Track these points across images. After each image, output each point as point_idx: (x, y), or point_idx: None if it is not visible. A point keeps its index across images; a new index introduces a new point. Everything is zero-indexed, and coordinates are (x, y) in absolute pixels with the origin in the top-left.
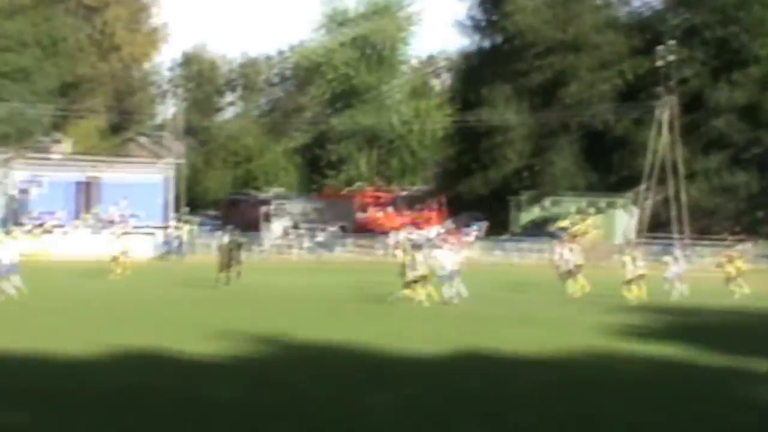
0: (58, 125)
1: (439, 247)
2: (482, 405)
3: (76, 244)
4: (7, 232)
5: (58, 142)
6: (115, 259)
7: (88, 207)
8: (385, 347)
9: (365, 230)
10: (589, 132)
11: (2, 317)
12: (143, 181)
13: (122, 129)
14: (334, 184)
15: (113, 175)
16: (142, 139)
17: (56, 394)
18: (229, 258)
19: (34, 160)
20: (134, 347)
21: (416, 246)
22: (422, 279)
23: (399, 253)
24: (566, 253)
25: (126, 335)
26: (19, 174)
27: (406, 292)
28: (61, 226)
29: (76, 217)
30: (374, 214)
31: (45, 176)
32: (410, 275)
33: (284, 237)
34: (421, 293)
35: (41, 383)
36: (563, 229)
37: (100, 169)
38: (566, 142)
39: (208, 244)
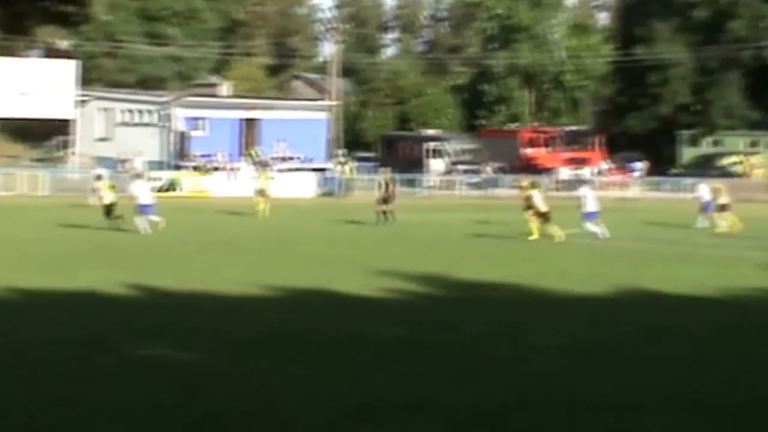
0: (220, 67)
1: (591, 185)
2: (646, 346)
3: (237, 185)
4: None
5: (219, 83)
6: (257, 198)
7: (248, 147)
8: (547, 286)
9: (527, 168)
10: (754, 68)
11: (164, 259)
12: (303, 121)
13: (283, 70)
14: (492, 123)
15: (274, 115)
16: (303, 80)
17: (224, 333)
18: (385, 197)
19: (196, 102)
20: (297, 287)
21: (581, 182)
22: (543, 216)
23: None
24: (705, 191)
25: (288, 275)
26: (181, 116)
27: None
28: (222, 167)
29: (238, 157)
30: (535, 152)
31: (207, 118)
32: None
33: (446, 175)
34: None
35: (210, 323)
36: (727, 165)
37: (261, 109)
38: (731, 79)
39: (367, 184)
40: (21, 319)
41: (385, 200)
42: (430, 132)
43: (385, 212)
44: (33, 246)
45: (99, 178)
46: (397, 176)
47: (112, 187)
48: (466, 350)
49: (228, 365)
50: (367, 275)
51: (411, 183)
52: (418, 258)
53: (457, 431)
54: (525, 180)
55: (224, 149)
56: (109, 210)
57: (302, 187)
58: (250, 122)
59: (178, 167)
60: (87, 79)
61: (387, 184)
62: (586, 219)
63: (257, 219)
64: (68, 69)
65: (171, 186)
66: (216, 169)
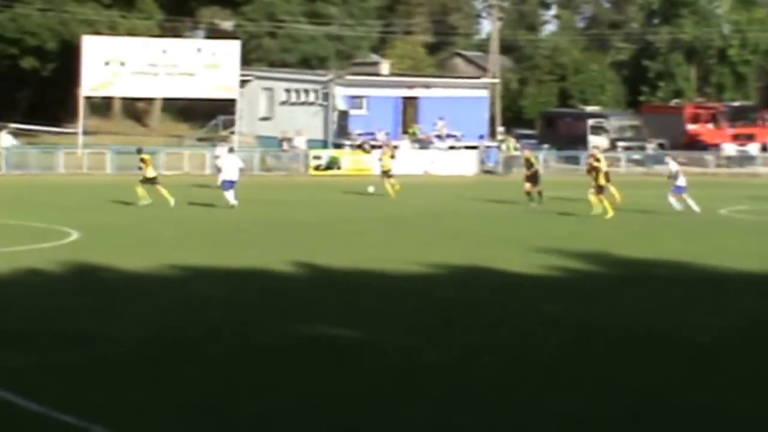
0: (380, 46)
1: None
2: None
3: (399, 163)
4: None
5: (379, 62)
6: (383, 178)
7: (408, 125)
8: (712, 263)
9: (691, 144)
10: None
11: (326, 237)
12: (463, 99)
13: (443, 48)
14: (654, 99)
15: (433, 93)
16: (463, 58)
17: (388, 311)
18: (528, 175)
19: (357, 81)
20: (458, 265)
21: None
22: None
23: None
24: None
25: (447, 253)
26: (341, 94)
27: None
28: (382, 145)
29: (397, 135)
30: (699, 128)
31: (367, 96)
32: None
33: (608, 151)
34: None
35: (372, 301)
36: None
37: (421, 87)
38: None
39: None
40: (184, 295)
41: (530, 179)
42: (591, 108)
43: (529, 193)
44: (192, 223)
45: (140, 152)
46: (558, 153)
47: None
48: (625, 327)
49: (394, 343)
50: (527, 253)
51: (572, 160)
52: (575, 235)
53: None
54: (598, 152)
55: (384, 127)
56: (151, 182)
57: (463, 165)
58: (409, 100)
59: (338, 146)
60: (249, 59)
61: (530, 163)
62: (675, 192)
63: (392, 199)
64: (231, 49)
65: (332, 164)
66: (376, 147)
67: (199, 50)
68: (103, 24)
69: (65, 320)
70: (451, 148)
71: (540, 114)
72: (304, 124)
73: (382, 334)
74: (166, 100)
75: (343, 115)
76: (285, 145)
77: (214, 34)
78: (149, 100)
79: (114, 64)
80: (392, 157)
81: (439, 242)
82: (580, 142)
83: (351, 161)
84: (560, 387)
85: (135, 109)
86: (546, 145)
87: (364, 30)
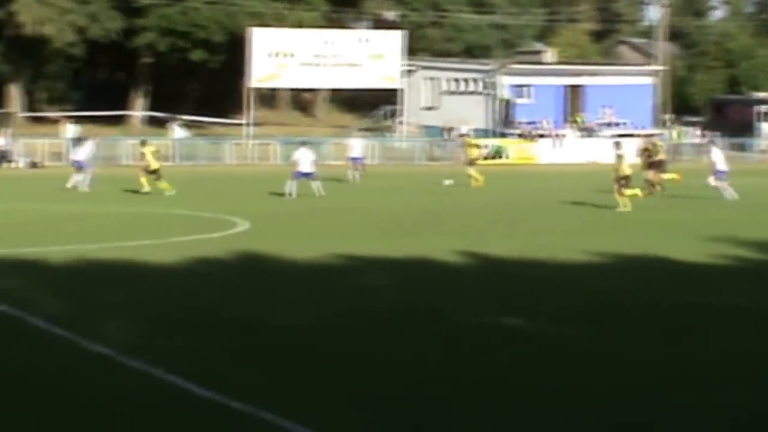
0: (544, 34)
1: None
2: None
3: (563, 151)
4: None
5: (543, 50)
6: (467, 169)
7: (573, 114)
8: None
9: None
10: None
11: (489, 226)
12: (629, 87)
13: (608, 35)
14: None
15: (598, 81)
16: (628, 45)
17: (553, 301)
18: (649, 163)
19: (521, 69)
20: (622, 253)
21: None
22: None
23: None
24: None
25: (610, 240)
26: (506, 83)
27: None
28: (547, 134)
29: (562, 124)
30: None
31: (531, 85)
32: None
33: None
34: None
35: (537, 291)
36: None
37: (586, 75)
38: None
39: (695, 149)
40: (351, 284)
41: (653, 166)
42: (761, 95)
43: (650, 181)
44: (357, 213)
45: (143, 144)
46: (727, 140)
47: (157, 153)
48: None
49: (557, 333)
50: (692, 241)
51: (741, 147)
52: (745, 223)
53: None
54: (657, 140)
55: (549, 116)
56: (155, 174)
57: (628, 153)
58: (574, 89)
59: (503, 135)
60: (413, 49)
61: (647, 152)
62: (715, 176)
63: (476, 189)
64: (395, 39)
65: (497, 153)
66: (541, 136)
67: (363, 41)
68: (269, 16)
69: (235, 308)
70: (616, 136)
71: (709, 101)
72: (468, 114)
73: (551, 323)
74: (331, 90)
75: (508, 104)
76: (447, 135)
77: (378, 24)
78: (315, 91)
79: (280, 55)
80: (477, 147)
81: (599, 229)
82: (748, 129)
83: (516, 150)
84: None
85: (301, 100)
86: (716, 132)
87: (529, 18)
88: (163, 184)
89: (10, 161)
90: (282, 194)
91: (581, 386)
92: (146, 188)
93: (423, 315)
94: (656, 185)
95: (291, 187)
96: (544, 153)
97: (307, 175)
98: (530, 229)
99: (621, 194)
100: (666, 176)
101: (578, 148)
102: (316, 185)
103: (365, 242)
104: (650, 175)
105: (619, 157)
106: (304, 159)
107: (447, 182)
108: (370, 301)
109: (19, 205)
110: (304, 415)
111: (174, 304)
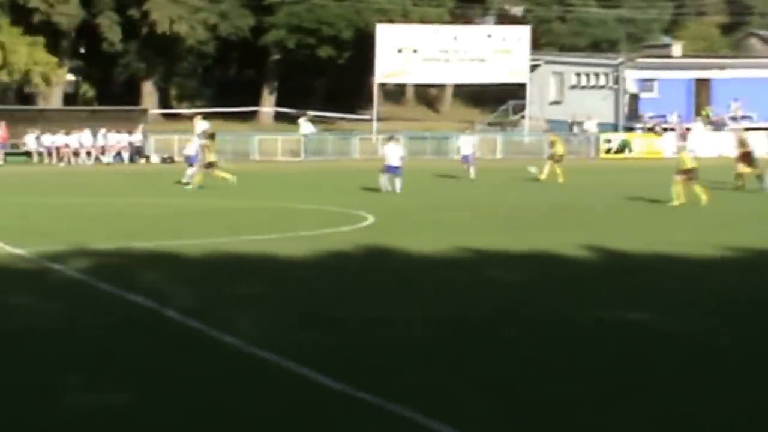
0: (672, 27)
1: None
2: None
3: (691, 145)
4: None
5: (670, 44)
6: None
7: (700, 107)
8: None
9: None
10: None
11: (614, 220)
12: (759, 80)
13: (738, 27)
14: None
15: (726, 74)
16: (759, 38)
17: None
18: (741, 155)
19: (647, 63)
20: (752, 248)
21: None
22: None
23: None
24: None
25: (740, 235)
26: (632, 77)
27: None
28: (674, 128)
29: (690, 118)
30: None
31: (658, 79)
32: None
33: None
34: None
35: (663, 284)
36: None
37: (713, 69)
38: None
39: None
40: (477, 278)
41: (742, 159)
42: None
43: (741, 175)
44: (484, 207)
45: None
46: None
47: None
48: None
49: (675, 327)
50: None
51: None
52: None
53: None
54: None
55: (676, 110)
56: (210, 166)
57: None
58: (701, 82)
59: (629, 129)
60: (539, 44)
61: (742, 143)
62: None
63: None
64: (521, 34)
65: (622, 147)
66: (668, 130)
67: (489, 36)
68: (395, 12)
69: (364, 302)
70: (747, 129)
71: None
72: (594, 108)
73: (679, 319)
74: (457, 85)
75: (634, 98)
76: (577, 129)
77: (504, 19)
78: (441, 86)
79: (406, 51)
80: (559, 141)
81: (734, 225)
82: None
83: (642, 144)
84: None
85: (427, 95)
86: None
87: (656, 12)
88: (223, 174)
89: (144, 157)
90: (378, 189)
91: (701, 378)
92: (231, 179)
93: (547, 309)
94: (744, 177)
95: (384, 181)
96: (670, 147)
97: (393, 169)
98: (658, 223)
99: (687, 187)
100: (747, 170)
101: (707, 142)
102: (398, 181)
103: (491, 236)
104: (740, 167)
105: (682, 149)
106: (393, 153)
107: (532, 170)
108: (496, 296)
109: (153, 199)
110: (439, 406)
111: (306, 298)
